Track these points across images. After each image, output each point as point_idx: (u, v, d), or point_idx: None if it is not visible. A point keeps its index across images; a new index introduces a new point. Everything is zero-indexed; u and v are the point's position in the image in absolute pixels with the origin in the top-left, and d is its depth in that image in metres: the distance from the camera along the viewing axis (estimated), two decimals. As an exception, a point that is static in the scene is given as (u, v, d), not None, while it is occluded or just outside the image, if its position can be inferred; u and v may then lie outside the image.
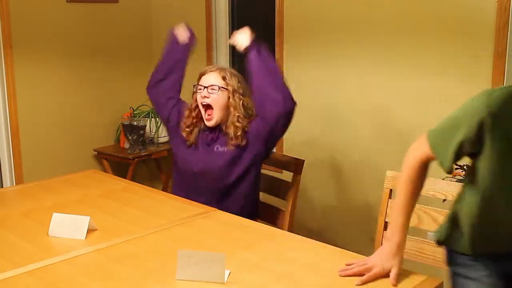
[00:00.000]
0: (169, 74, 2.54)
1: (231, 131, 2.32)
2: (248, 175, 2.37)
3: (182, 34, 2.55)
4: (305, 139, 3.36)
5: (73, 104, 3.82)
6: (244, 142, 2.32)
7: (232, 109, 2.34)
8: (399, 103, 2.93)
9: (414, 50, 2.82)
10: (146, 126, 3.86)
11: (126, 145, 3.91)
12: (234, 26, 3.85)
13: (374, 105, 3.02)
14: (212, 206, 2.22)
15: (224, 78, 2.35)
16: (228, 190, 2.37)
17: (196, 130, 2.41)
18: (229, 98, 2.34)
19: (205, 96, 2.34)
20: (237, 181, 2.36)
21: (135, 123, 3.81)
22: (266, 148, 2.38)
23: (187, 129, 2.42)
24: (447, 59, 2.71)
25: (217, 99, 2.34)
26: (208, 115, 2.35)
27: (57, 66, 3.71)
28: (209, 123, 2.36)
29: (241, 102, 2.35)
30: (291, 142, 3.45)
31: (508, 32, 2.49)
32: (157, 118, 3.92)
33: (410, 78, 2.86)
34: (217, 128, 2.38)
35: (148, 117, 3.94)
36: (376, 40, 2.95)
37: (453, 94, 2.71)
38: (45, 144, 3.70)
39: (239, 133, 2.31)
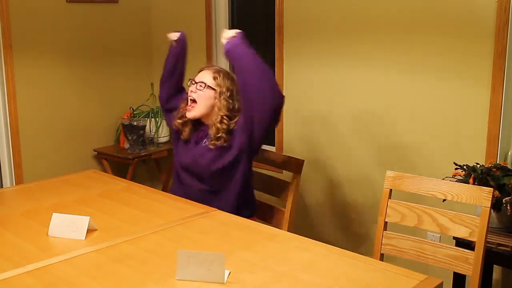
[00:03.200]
0: (173, 76, 2.65)
1: (212, 132, 2.37)
2: (235, 173, 2.37)
3: (173, 36, 2.63)
4: (305, 139, 3.36)
5: (73, 104, 3.82)
6: (226, 143, 2.34)
7: (216, 109, 2.39)
8: (399, 102, 2.93)
9: (415, 50, 2.82)
10: (146, 126, 3.86)
11: (126, 145, 3.91)
12: (234, 26, 3.86)
13: (374, 104, 3.02)
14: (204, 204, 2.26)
15: (215, 78, 2.41)
16: (217, 187, 2.39)
17: (190, 126, 2.47)
18: (215, 98, 2.39)
19: (192, 91, 2.43)
20: (222, 176, 2.37)
21: (135, 123, 3.81)
22: (250, 141, 2.35)
23: (178, 120, 2.50)
24: (447, 59, 2.71)
25: (202, 96, 2.40)
26: (191, 106, 2.42)
27: (57, 66, 3.71)
28: (188, 114, 2.43)
29: (227, 103, 2.38)
30: (291, 142, 3.45)
31: (508, 32, 2.49)
32: (157, 118, 3.92)
33: (410, 78, 2.85)
34: (207, 126, 2.44)
35: (148, 117, 3.94)
36: (376, 40, 2.95)
37: (453, 93, 2.71)
38: (45, 144, 3.70)
39: (219, 135, 2.34)
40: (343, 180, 3.23)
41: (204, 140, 2.42)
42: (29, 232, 1.95)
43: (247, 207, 2.46)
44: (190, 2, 3.91)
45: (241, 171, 2.38)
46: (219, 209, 2.20)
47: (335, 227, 3.32)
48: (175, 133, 2.57)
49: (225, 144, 2.34)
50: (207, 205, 2.26)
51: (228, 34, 2.34)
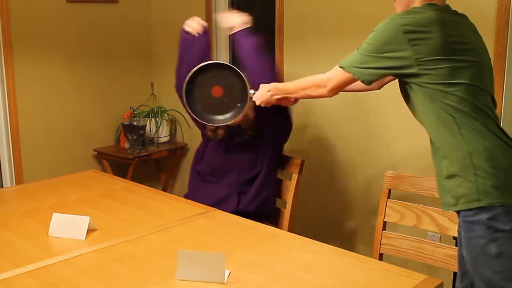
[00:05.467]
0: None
1: (245, 125, 2.42)
2: (263, 170, 2.43)
3: (194, 27, 2.57)
4: (305, 138, 3.36)
5: (73, 104, 3.82)
6: (259, 134, 2.41)
7: (249, 109, 2.40)
8: (398, 102, 2.93)
9: (414, 50, 2.81)
10: (146, 126, 3.86)
11: (126, 145, 3.91)
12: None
13: (374, 105, 3.02)
14: (228, 206, 2.30)
15: None
16: (247, 184, 2.42)
17: (221, 130, 2.49)
18: None
19: None
20: (257, 175, 2.42)
21: (135, 123, 3.81)
22: (274, 136, 2.45)
23: (212, 133, 2.51)
24: (447, 59, 2.70)
25: None
26: None
27: (57, 66, 3.71)
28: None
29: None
30: (291, 142, 3.44)
31: (508, 32, 2.49)
32: (157, 118, 3.92)
33: (410, 78, 2.85)
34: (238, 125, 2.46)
35: (148, 117, 3.94)
36: (376, 40, 2.95)
37: (453, 94, 2.71)
38: (45, 144, 3.70)
39: (254, 127, 2.42)
40: (344, 180, 3.23)
41: (235, 137, 2.44)
42: (29, 232, 1.95)
43: (267, 205, 2.48)
44: (190, 2, 3.91)
45: (265, 169, 2.43)
46: (242, 206, 2.32)
47: (335, 227, 3.32)
48: (206, 137, 2.57)
49: (258, 134, 2.41)
50: (231, 203, 2.34)
51: (235, 20, 2.32)
